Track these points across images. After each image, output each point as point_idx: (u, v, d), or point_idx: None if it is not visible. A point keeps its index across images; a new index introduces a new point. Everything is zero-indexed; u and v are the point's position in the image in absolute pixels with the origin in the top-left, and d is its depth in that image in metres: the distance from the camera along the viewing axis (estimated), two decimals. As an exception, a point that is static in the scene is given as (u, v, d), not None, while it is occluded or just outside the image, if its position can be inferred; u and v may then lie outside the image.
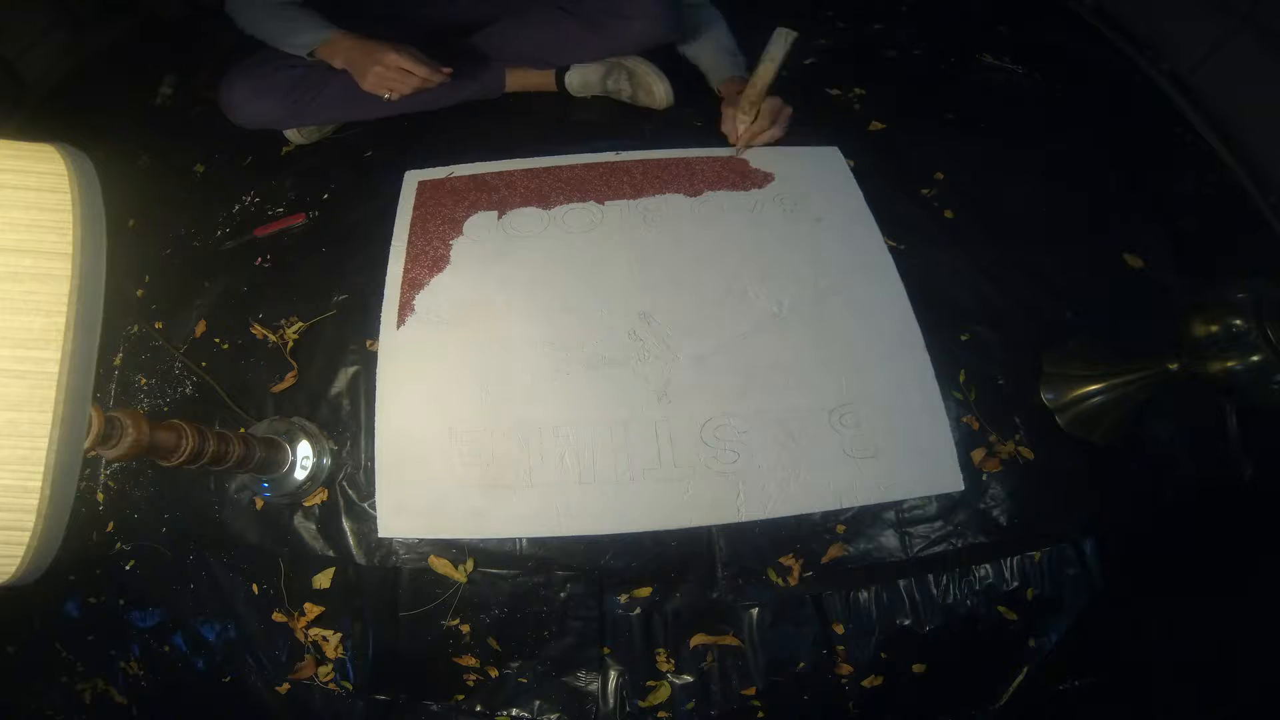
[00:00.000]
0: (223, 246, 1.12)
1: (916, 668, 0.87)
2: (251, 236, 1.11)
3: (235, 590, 0.90)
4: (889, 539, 0.89)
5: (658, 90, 1.21)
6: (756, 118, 1.11)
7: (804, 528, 0.88)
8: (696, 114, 1.23)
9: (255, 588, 0.89)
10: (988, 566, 0.89)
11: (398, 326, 0.98)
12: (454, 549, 0.88)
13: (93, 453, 0.57)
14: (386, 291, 1.01)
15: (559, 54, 1.23)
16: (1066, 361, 0.96)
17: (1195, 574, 0.92)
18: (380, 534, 0.88)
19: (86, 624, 0.92)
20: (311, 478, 0.89)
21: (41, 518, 0.38)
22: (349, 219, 1.11)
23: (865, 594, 0.88)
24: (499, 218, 1.09)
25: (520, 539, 0.88)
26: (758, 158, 1.16)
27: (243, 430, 0.89)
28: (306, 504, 0.91)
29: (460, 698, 0.87)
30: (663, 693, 0.86)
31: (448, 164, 1.16)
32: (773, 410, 0.92)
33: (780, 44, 1.02)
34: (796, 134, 1.19)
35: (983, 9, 1.48)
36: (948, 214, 1.10)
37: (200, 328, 1.02)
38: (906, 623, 0.87)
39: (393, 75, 1.05)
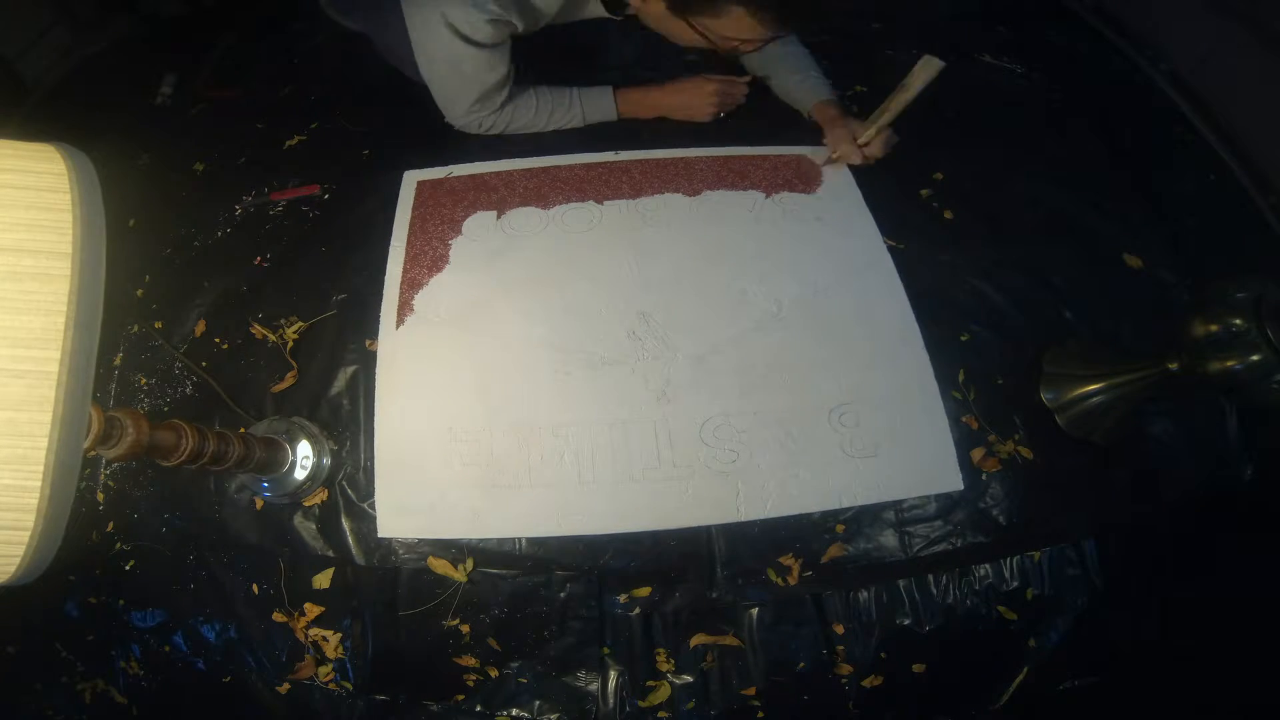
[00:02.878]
0: (233, 214, 1.13)
1: (916, 668, 0.87)
2: (267, 200, 1.12)
3: (235, 590, 0.90)
4: (888, 538, 0.89)
5: None
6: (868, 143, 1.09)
7: (803, 527, 0.88)
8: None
9: (255, 588, 0.89)
10: (988, 566, 0.89)
11: (397, 326, 0.98)
12: (453, 549, 0.88)
13: (93, 452, 0.57)
14: (385, 291, 1.01)
15: None
16: (1066, 361, 0.96)
17: (1195, 574, 0.92)
18: (380, 534, 0.88)
19: (86, 624, 0.92)
20: (311, 477, 0.89)
21: (41, 517, 0.38)
22: (348, 219, 1.11)
23: (865, 594, 0.88)
24: (498, 217, 1.09)
25: (520, 539, 0.88)
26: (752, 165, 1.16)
27: (242, 430, 0.89)
28: (306, 504, 0.91)
29: (460, 698, 0.87)
30: (663, 693, 0.86)
31: (446, 164, 1.16)
32: (772, 410, 0.92)
33: (926, 72, 1.00)
34: (797, 133, 1.19)
35: (983, 9, 1.48)
36: (947, 214, 1.10)
37: (200, 327, 1.02)
38: (906, 623, 0.88)
39: (725, 95, 1.17)
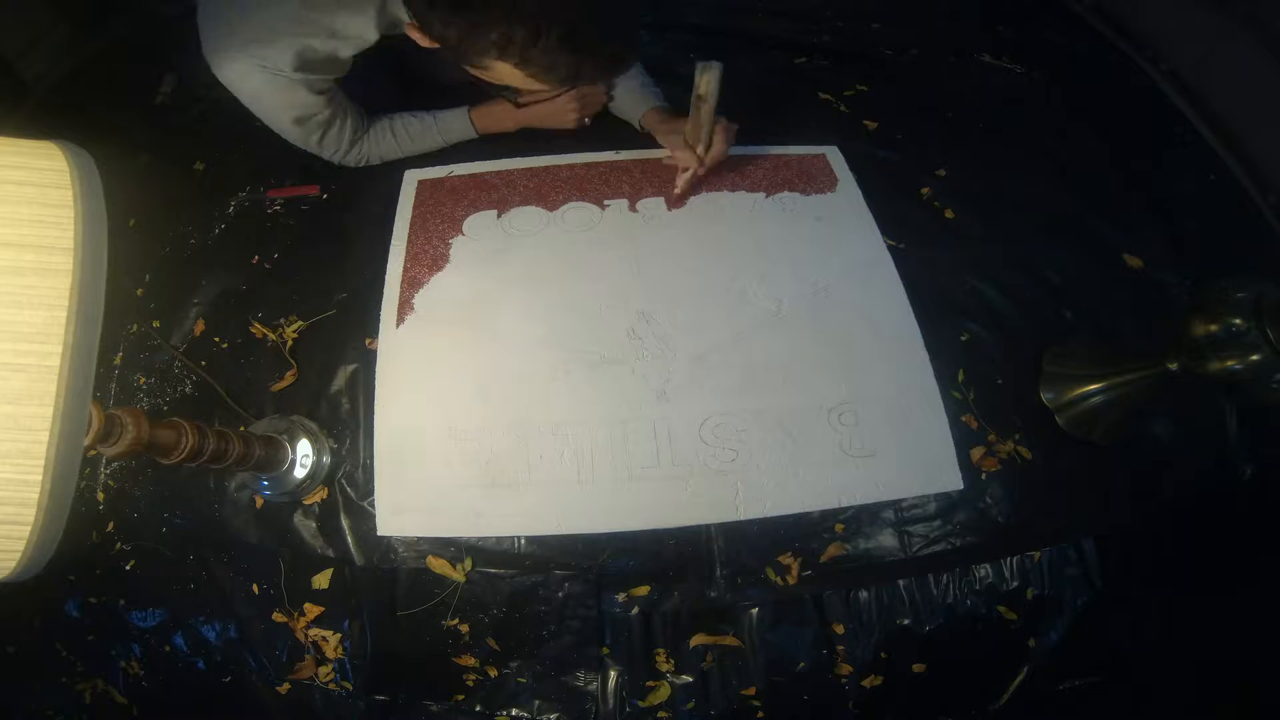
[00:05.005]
0: (229, 213, 1.13)
1: (916, 668, 0.87)
2: (264, 198, 1.13)
3: (235, 590, 0.90)
4: (888, 538, 0.89)
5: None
6: (708, 148, 1.02)
7: (802, 526, 0.88)
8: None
9: (255, 588, 0.89)
10: (987, 566, 0.89)
11: (397, 325, 0.98)
12: (452, 548, 0.88)
13: (93, 451, 0.57)
14: (386, 290, 1.02)
15: None
16: (1066, 361, 0.96)
17: (1195, 574, 0.92)
18: (379, 532, 0.88)
19: (86, 624, 0.92)
20: (311, 476, 0.89)
21: (42, 512, 0.38)
22: (348, 218, 1.11)
23: (865, 594, 0.88)
24: (498, 216, 1.09)
25: (518, 538, 0.88)
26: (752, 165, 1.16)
27: (242, 428, 0.89)
28: (306, 502, 0.91)
29: (460, 698, 0.87)
30: (662, 693, 0.86)
31: (447, 163, 1.16)
32: (772, 409, 0.92)
33: (711, 79, 0.93)
34: (797, 133, 1.19)
35: (982, 9, 1.48)
36: (948, 214, 1.10)
37: (199, 327, 1.02)
38: (906, 623, 0.88)
39: (585, 99, 1.12)
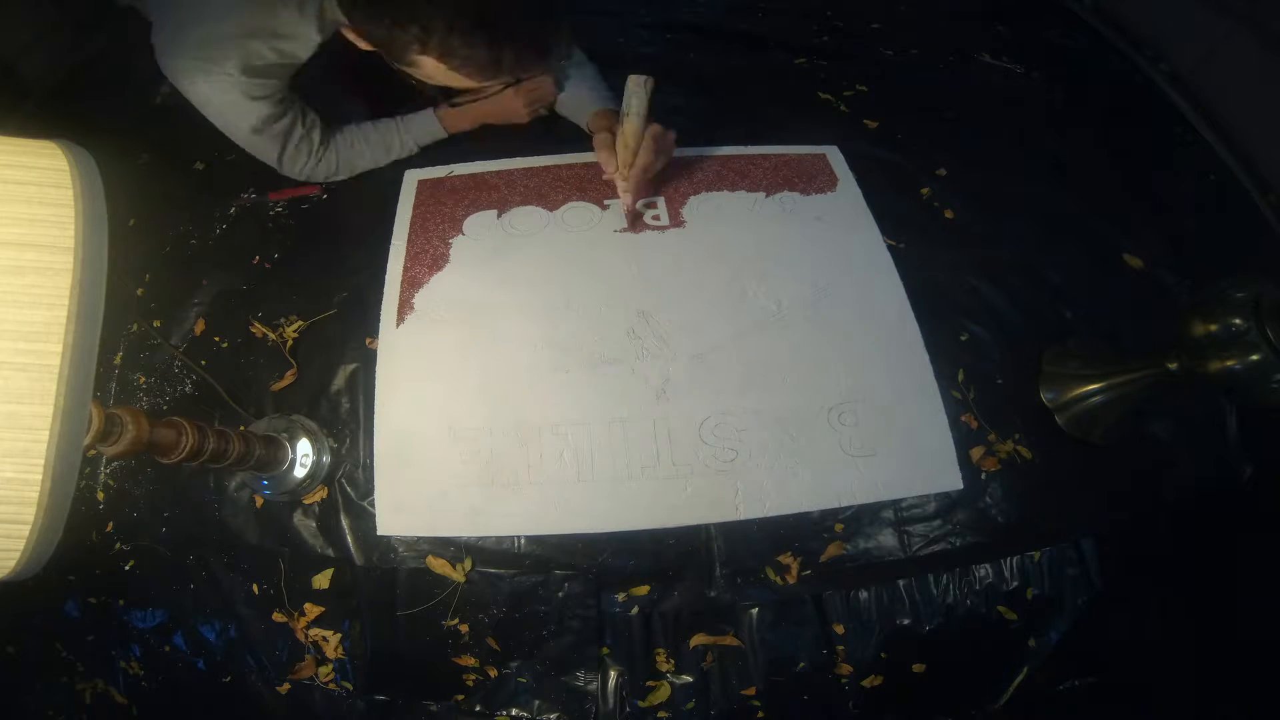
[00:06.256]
0: (230, 213, 1.13)
1: (916, 668, 0.87)
2: (265, 200, 1.13)
3: (235, 590, 0.90)
4: (888, 538, 0.89)
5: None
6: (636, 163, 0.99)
7: (802, 526, 0.88)
8: (695, 114, 1.23)
9: (255, 588, 0.89)
10: (987, 566, 0.89)
11: (397, 325, 0.98)
12: (451, 548, 0.88)
13: (93, 450, 0.57)
14: (386, 290, 1.02)
15: None
16: (1066, 361, 0.96)
17: (1195, 574, 0.92)
18: (379, 532, 0.88)
19: (86, 624, 0.92)
20: (311, 475, 0.89)
21: (42, 510, 0.38)
22: (348, 218, 1.11)
23: (865, 593, 0.88)
24: (499, 216, 1.09)
25: (518, 537, 0.88)
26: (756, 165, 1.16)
27: (242, 428, 0.89)
28: (306, 502, 0.91)
29: (460, 698, 0.87)
30: (662, 693, 0.86)
31: (447, 163, 1.16)
32: (771, 409, 0.92)
33: (639, 95, 0.92)
34: (797, 133, 1.19)
35: (982, 9, 1.48)
36: (948, 214, 1.10)
37: (199, 326, 1.02)
38: (906, 622, 0.87)
39: (533, 94, 1.14)
